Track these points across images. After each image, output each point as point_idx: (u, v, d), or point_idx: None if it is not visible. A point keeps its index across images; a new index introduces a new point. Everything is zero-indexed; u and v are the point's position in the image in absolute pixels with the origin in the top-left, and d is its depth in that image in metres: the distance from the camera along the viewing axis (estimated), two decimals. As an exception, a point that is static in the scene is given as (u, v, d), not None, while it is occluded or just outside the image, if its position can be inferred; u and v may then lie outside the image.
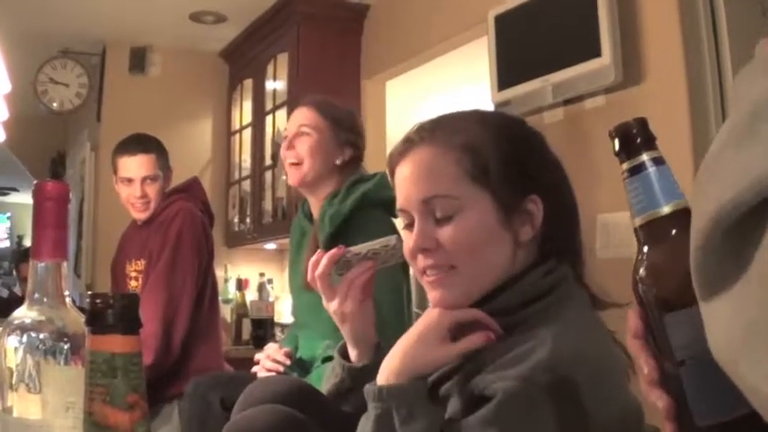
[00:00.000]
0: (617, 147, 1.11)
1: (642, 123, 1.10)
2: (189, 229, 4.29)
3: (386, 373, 1.75)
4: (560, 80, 4.09)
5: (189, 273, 4.24)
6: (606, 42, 3.82)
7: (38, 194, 1.25)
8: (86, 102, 7.55)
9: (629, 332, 1.08)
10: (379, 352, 2.04)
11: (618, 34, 3.85)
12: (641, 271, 1.05)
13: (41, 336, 1.21)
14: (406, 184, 1.87)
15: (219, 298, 4.77)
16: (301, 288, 3.17)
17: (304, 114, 3.38)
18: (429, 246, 1.81)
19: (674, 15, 3.65)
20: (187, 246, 4.26)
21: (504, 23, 4.50)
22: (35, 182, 1.26)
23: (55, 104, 7.54)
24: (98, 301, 0.87)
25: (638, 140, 1.09)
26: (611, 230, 3.63)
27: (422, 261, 1.84)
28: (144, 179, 4.32)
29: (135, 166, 4.33)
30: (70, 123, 8.70)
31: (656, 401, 1.04)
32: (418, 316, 1.95)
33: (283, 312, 6.77)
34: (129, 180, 4.33)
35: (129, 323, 0.87)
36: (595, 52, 3.87)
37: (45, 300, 1.24)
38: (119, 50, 7.35)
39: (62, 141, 9.42)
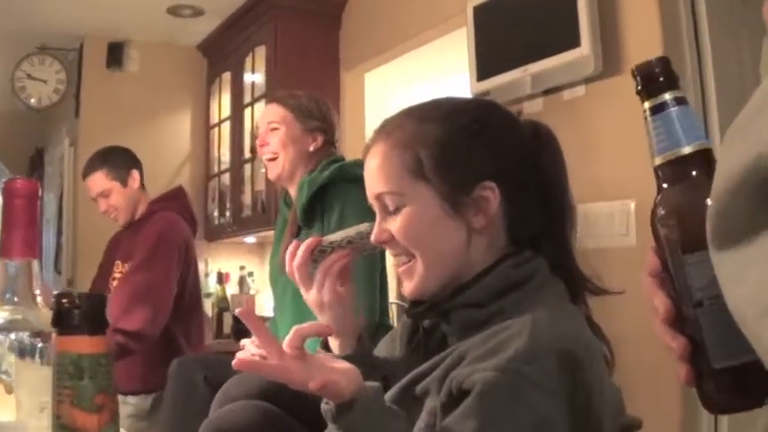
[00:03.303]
0: (639, 85, 1.09)
1: (665, 62, 1.09)
2: (171, 233, 4.53)
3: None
4: (539, 70, 4.07)
5: (170, 269, 4.42)
6: (585, 32, 3.81)
7: (7, 192, 1.23)
8: (64, 97, 7.53)
9: (645, 270, 1.07)
10: (362, 342, 2.03)
11: (597, 24, 3.83)
12: (660, 210, 1.05)
13: (15, 335, 1.19)
14: (366, 178, 1.92)
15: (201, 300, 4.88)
16: (279, 274, 3.30)
17: (270, 111, 3.52)
18: (384, 238, 1.87)
19: (653, 5, 3.63)
20: (168, 245, 4.46)
21: (483, 14, 4.48)
22: (3, 180, 1.24)
23: (33, 101, 7.51)
24: (64, 301, 0.86)
25: (661, 79, 1.08)
26: (591, 221, 3.62)
27: (389, 252, 1.92)
28: (100, 195, 4.62)
29: (90, 186, 4.67)
30: (48, 119, 8.66)
31: (669, 342, 1.03)
32: (398, 306, 1.95)
33: (265, 305, 6.74)
34: (94, 199, 4.67)
35: (95, 324, 0.86)
36: (575, 42, 3.85)
37: (15, 299, 1.22)
38: (96, 45, 7.31)
39: (40, 138, 9.38)
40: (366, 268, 3.03)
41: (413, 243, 1.83)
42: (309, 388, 1.62)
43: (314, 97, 3.59)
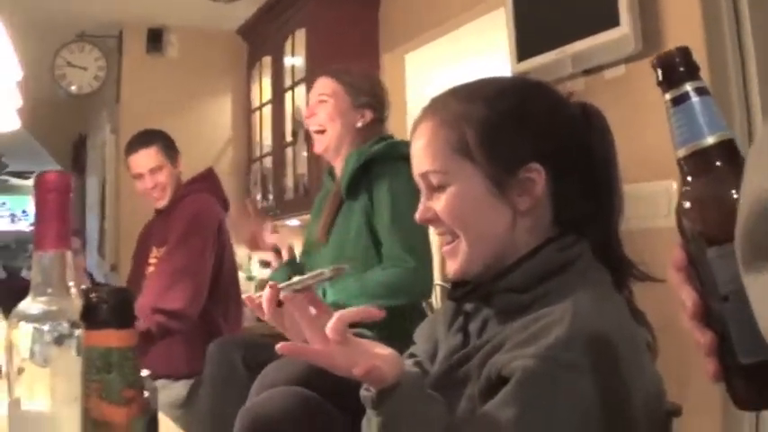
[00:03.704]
0: (660, 77, 1.08)
1: (685, 53, 1.08)
2: (205, 213, 4.57)
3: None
4: (579, 50, 4.04)
5: (207, 248, 4.46)
6: (625, 11, 3.77)
7: (39, 186, 1.24)
8: (105, 84, 7.58)
9: (671, 265, 1.06)
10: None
11: (636, 3, 3.79)
12: (685, 203, 1.04)
13: (50, 326, 1.20)
14: (413, 157, 1.91)
15: (240, 275, 4.91)
16: (318, 242, 3.37)
17: (321, 83, 3.51)
18: (427, 216, 1.87)
19: (693, -18, 3.60)
20: (203, 225, 4.50)
21: (522, -7, 4.46)
22: (35, 173, 1.25)
23: (73, 88, 7.57)
24: (92, 295, 0.86)
25: (681, 70, 1.07)
26: (633, 201, 3.56)
27: (434, 231, 1.92)
28: (151, 171, 4.60)
29: (140, 161, 4.63)
30: (90, 106, 8.71)
31: (698, 337, 1.03)
32: (441, 288, 1.96)
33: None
34: (140, 174, 4.64)
35: (123, 317, 0.86)
36: (614, 21, 3.82)
37: (49, 290, 1.23)
38: (136, 32, 7.37)
39: (82, 124, 9.44)
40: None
41: (456, 222, 1.82)
42: (353, 374, 1.62)
43: (367, 74, 3.63)
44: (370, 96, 3.47)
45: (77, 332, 1.19)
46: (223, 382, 3.16)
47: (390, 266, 3.08)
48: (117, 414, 0.84)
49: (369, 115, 3.45)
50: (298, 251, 3.56)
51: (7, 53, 3.06)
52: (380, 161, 3.23)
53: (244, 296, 1.80)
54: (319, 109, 3.46)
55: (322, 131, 3.46)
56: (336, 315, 1.69)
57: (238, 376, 3.01)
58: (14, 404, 1.20)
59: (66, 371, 1.19)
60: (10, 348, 1.22)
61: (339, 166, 3.44)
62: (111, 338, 0.84)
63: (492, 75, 2.02)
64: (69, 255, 1.25)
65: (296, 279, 1.94)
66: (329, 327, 1.66)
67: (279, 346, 1.67)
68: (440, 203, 1.83)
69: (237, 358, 3.12)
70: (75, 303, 1.22)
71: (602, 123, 1.90)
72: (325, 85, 3.49)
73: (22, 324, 1.21)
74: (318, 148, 3.50)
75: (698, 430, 3.14)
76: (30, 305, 1.23)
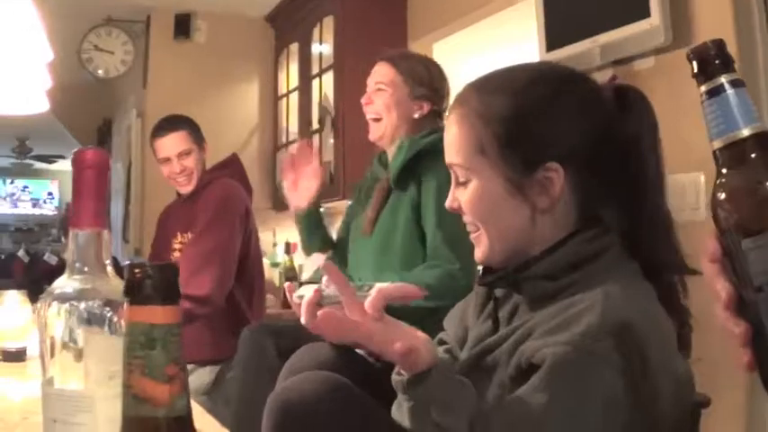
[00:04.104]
0: (695, 69, 1.09)
1: (720, 45, 1.08)
2: (232, 198, 4.56)
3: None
4: (609, 41, 4.03)
5: (234, 233, 4.46)
6: (656, 3, 3.75)
7: (77, 163, 1.22)
8: (132, 69, 7.61)
9: (705, 256, 1.07)
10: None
11: (667, -6, 3.78)
12: (720, 195, 1.04)
13: (85, 304, 1.19)
14: (445, 145, 1.94)
15: (265, 261, 4.90)
16: (363, 234, 3.34)
17: (380, 70, 3.47)
18: (454, 206, 1.92)
19: (723, -25, 3.58)
20: (230, 210, 4.49)
21: (552, -17, 4.44)
22: (74, 150, 1.24)
23: (100, 71, 7.61)
24: (136, 270, 0.85)
25: (717, 62, 1.07)
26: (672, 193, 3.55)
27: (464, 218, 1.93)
28: (179, 155, 4.57)
29: (168, 144, 4.59)
30: (116, 90, 8.73)
31: (731, 328, 1.03)
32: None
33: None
34: (167, 159, 4.60)
35: (168, 293, 0.85)
36: (645, 13, 3.80)
37: (86, 269, 1.22)
38: (163, 17, 7.38)
39: (108, 109, 9.46)
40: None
41: (477, 217, 1.86)
42: (391, 350, 1.62)
43: (427, 63, 3.56)
44: (428, 88, 3.43)
45: (110, 312, 1.19)
46: (255, 369, 3.15)
47: (435, 266, 3.04)
48: (159, 391, 0.83)
49: (426, 107, 3.42)
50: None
51: (39, 34, 3.06)
52: (431, 154, 3.17)
53: (285, 284, 1.80)
54: (376, 97, 3.43)
55: (378, 119, 3.43)
56: (376, 290, 1.68)
57: (270, 363, 2.99)
58: (48, 383, 1.20)
59: (100, 350, 1.19)
60: (44, 327, 1.21)
61: (392, 155, 3.41)
62: (156, 315, 0.84)
63: (521, 63, 2.02)
64: (106, 233, 1.25)
65: (339, 293, 1.95)
66: (368, 301, 1.66)
67: (320, 312, 1.68)
68: (464, 196, 1.87)
69: (270, 345, 3.10)
70: (113, 282, 1.22)
71: (640, 106, 1.88)
72: (383, 73, 3.45)
73: (57, 303, 1.21)
74: (373, 135, 3.47)
75: (721, 425, 3.13)
76: (65, 283, 1.23)
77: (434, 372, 1.65)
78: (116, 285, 1.21)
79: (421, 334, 1.70)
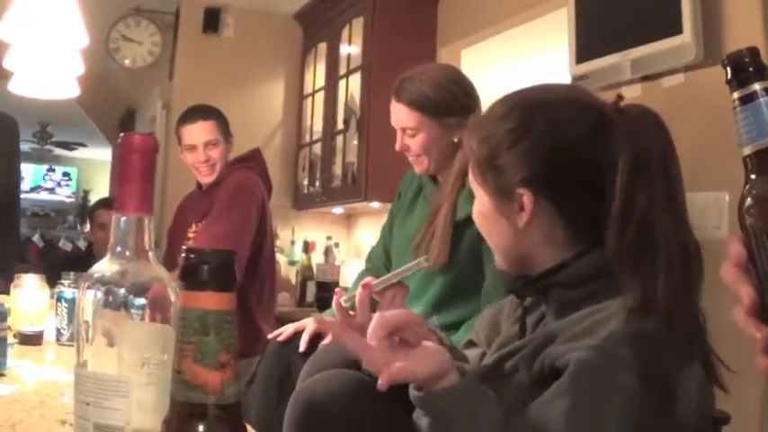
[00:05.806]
0: (729, 75, 1.09)
1: (755, 52, 1.09)
2: (250, 187, 4.56)
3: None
4: (640, 56, 4.02)
5: (248, 220, 4.45)
6: (688, 19, 3.75)
7: (124, 147, 1.21)
8: (159, 60, 7.64)
9: (728, 260, 1.06)
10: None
11: (700, 12, 3.77)
12: (748, 200, 1.05)
13: (121, 290, 1.19)
14: None
15: (282, 259, 4.88)
16: (411, 249, 3.19)
17: (401, 114, 3.28)
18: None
19: (755, -5, 3.57)
20: (247, 198, 4.49)
21: (585, -5, 4.44)
22: (122, 134, 1.23)
23: (127, 61, 7.66)
24: (192, 256, 0.85)
25: (751, 69, 1.07)
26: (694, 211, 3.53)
27: None
28: (206, 144, 4.57)
29: (197, 132, 4.59)
30: (140, 81, 8.74)
31: (753, 332, 1.03)
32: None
33: (348, 276, 6.76)
34: (193, 146, 4.60)
35: (223, 280, 0.85)
36: (677, 29, 3.80)
37: (127, 254, 1.22)
38: (193, 10, 7.41)
39: (131, 99, 9.47)
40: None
41: (479, 228, 2.02)
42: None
43: (446, 83, 3.29)
44: (458, 113, 3.20)
45: (144, 300, 1.19)
46: (277, 383, 3.10)
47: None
48: (211, 377, 0.83)
49: (464, 125, 3.14)
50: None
51: (75, 19, 3.07)
52: None
53: (336, 289, 1.82)
54: (410, 142, 3.26)
55: (419, 155, 3.27)
56: (376, 318, 1.68)
57: (293, 380, 2.93)
58: (82, 366, 1.20)
59: (134, 337, 1.19)
60: (80, 311, 1.21)
61: (445, 178, 3.26)
62: (211, 301, 0.84)
63: (548, 77, 2.06)
64: (149, 219, 1.25)
65: (390, 274, 2.00)
66: (370, 327, 1.66)
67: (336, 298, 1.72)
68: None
69: (297, 361, 3.04)
70: (155, 269, 1.22)
71: (633, 128, 1.84)
72: (406, 116, 3.25)
73: (94, 287, 1.21)
74: (419, 169, 3.32)
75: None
76: (105, 267, 1.22)
77: (450, 389, 1.64)
78: (157, 272, 1.21)
79: (432, 356, 1.67)
